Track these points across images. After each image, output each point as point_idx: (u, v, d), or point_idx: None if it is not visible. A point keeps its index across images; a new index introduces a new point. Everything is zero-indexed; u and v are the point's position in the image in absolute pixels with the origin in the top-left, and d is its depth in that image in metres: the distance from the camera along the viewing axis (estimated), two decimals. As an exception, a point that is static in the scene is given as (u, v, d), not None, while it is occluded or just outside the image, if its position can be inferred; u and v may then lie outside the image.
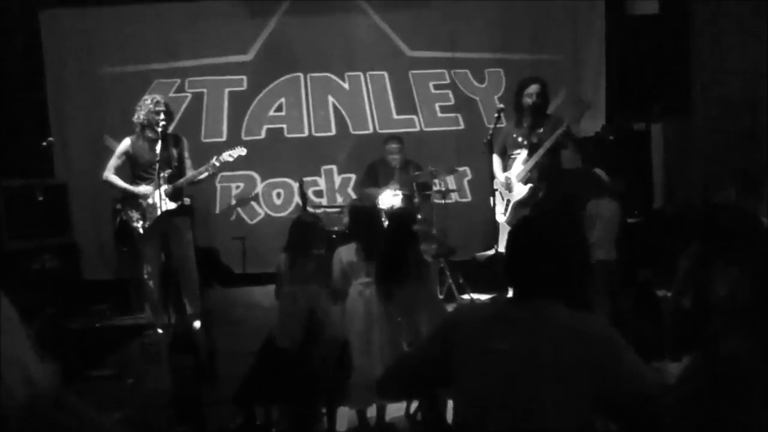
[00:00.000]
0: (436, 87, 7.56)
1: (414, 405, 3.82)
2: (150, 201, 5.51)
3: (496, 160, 5.75)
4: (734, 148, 5.99)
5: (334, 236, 6.22)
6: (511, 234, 2.23)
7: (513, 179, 5.54)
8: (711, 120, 6.27)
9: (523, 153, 5.52)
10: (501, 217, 5.63)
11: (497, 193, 5.69)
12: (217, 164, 5.62)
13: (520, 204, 5.50)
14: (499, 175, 5.66)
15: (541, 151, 5.40)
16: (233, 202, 7.46)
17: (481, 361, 2.00)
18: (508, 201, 5.57)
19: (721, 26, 6.20)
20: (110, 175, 5.64)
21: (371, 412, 4.06)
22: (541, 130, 5.49)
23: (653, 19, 6.56)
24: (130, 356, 3.33)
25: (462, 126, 7.55)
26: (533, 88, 5.55)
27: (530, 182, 5.50)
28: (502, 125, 5.76)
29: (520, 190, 5.52)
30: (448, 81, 7.52)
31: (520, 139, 5.56)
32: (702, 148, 6.52)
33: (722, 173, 5.88)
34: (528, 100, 5.54)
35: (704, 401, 1.91)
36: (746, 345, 2.00)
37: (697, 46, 6.19)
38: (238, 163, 6.92)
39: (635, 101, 6.19)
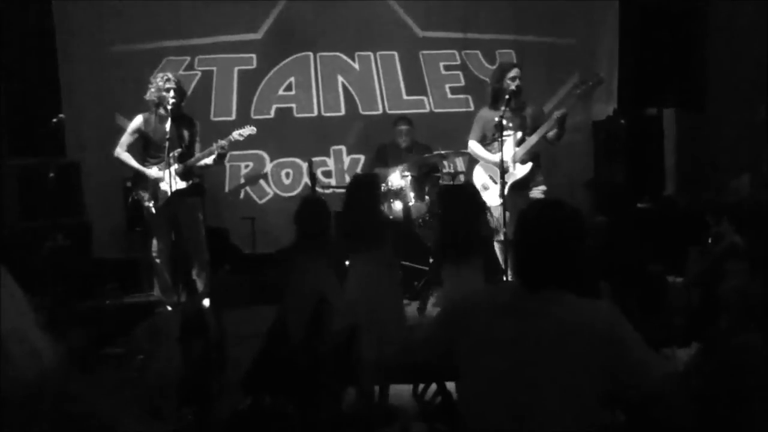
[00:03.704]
0: (447, 68, 7.52)
1: (422, 386, 3.86)
2: (160, 181, 5.52)
3: (477, 145, 5.73)
4: (747, 138, 5.94)
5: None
6: (518, 223, 2.22)
7: (509, 161, 5.50)
8: (724, 110, 6.21)
9: (516, 134, 5.52)
10: (496, 199, 5.58)
11: (487, 176, 5.69)
12: (227, 144, 5.60)
13: (517, 185, 5.49)
14: (491, 158, 5.61)
15: (542, 131, 5.41)
16: (242, 181, 7.47)
17: (488, 349, 2.00)
18: (503, 183, 5.49)
19: (736, 11, 6.12)
20: (122, 152, 5.65)
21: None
22: (529, 111, 5.56)
23: (668, 3, 6.49)
24: (140, 335, 3.34)
25: (472, 108, 7.48)
26: (515, 72, 5.58)
27: (527, 162, 5.51)
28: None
29: (520, 170, 5.51)
30: (458, 62, 7.49)
31: (505, 122, 5.52)
32: (714, 135, 6.47)
33: (734, 160, 5.85)
34: (511, 84, 5.53)
35: (712, 391, 1.92)
36: (755, 338, 2.01)
37: (712, 35, 6.12)
38: (248, 143, 6.91)
39: (648, 86, 6.14)
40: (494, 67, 7.36)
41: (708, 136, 6.61)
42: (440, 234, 4.19)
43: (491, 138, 5.57)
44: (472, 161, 5.93)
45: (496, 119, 5.42)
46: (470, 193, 4.43)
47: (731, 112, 6.22)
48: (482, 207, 4.37)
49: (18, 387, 1.39)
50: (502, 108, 5.36)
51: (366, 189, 4.21)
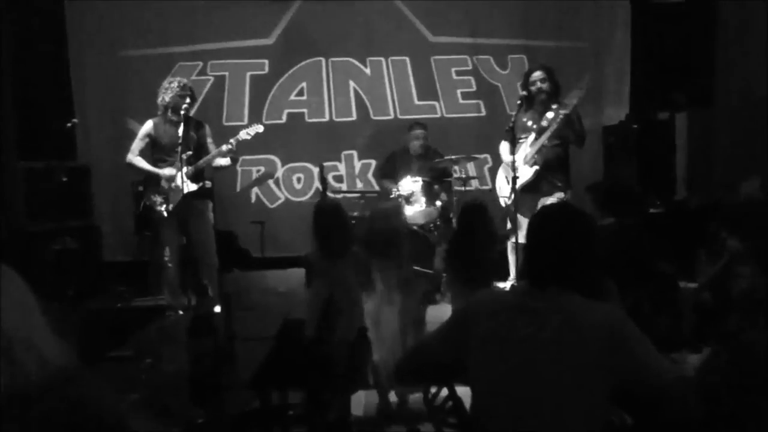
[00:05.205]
0: (458, 73, 7.54)
1: (433, 390, 3.85)
2: (172, 183, 5.53)
3: (504, 145, 5.77)
4: (757, 140, 5.91)
5: (353, 221, 6.23)
6: (530, 224, 2.23)
7: (519, 162, 5.50)
8: (734, 111, 6.19)
9: (530, 137, 5.54)
10: (505, 201, 5.64)
11: (504, 177, 5.72)
12: (235, 143, 5.61)
13: (524, 188, 5.48)
14: (506, 158, 5.67)
15: (547, 133, 5.40)
16: (252, 180, 7.49)
17: (498, 349, 2.00)
18: (512, 186, 5.50)
19: (746, 17, 6.10)
20: (134, 157, 5.67)
21: (393, 396, 4.12)
22: (551, 114, 5.49)
23: (678, 7, 6.48)
24: (148, 337, 3.35)
25: (483, 113, 7.53)
26: (536, 75, 5.61)
27: (536, 165, 5.49)
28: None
29: (525, 173, 5.51)
30: (470, 67, 7.51)
31: (529, 124, 5.57)
32: (725, 140, 6.44)
33: (745, 164, 5.81)
34: (533, 89, 5.57)
35: (724, 392, 1.90)
36: (764, 335, 1.99)
37: (722, 37, 6.10)
38: (259, 147, 6.97)
39: (659, 90, 6.12)
40: (506, 72, 7.44)
41: (719, 141, 6.58)
42: (454, 254, 4.17)
43: (516, 138, 5.60)
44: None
45: (524, 119, 5.55)
46: (488, 217, 4.42)
47: (741, 116, 6.19)
48: (495, 234, 4.37)
49: (26, 391, 1.40)
50: (512, 113, 5.40)
51: (389, 220, 4.23)
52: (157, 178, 5.59)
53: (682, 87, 5.90)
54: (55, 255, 5.98)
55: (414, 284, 4.25)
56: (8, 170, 6.25)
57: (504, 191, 5.76)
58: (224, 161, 5.69)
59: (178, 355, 2.60)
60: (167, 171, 5.56)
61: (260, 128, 5.74)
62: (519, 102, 5.58)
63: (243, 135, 5.65)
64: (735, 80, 6.18)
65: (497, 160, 7.03)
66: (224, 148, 5.60)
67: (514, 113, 5.61)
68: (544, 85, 5.56)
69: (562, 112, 5.37)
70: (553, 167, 5.56)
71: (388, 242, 4.13)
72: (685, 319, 3.04)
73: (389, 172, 6.77)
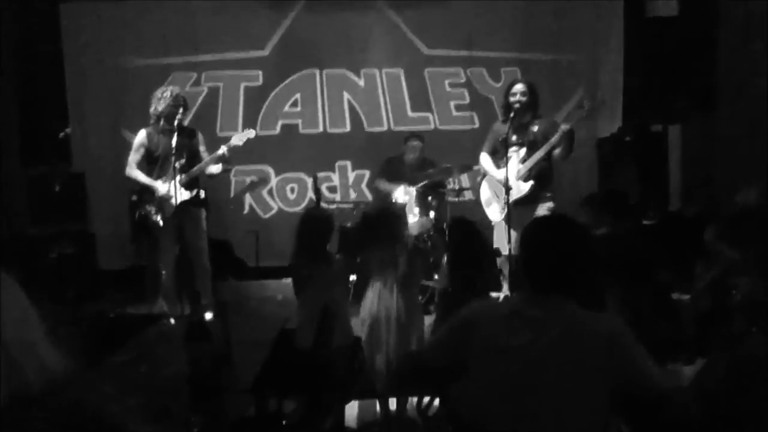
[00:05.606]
0: (452, 85, 7.57)
1: (426, 399, 3.85)
2: (166, 193, 5.53)
3: (486, 159, 5.71)
4: (757, 149, 5.95)
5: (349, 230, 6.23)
6: (526, 233, 2.24)
7: (512, 177, 5.45)
8: (734, 120, 6.23)
9: (521, 151, 5.47)
10: (497, 215, 5.58)
11: (489, 191, 5.68)
12: (227, 149, 5.60)
13: (519, 202, 5.44)
14: (496, 173, 5.59)
15: (546, 147, 5.34)
16: (246, 194, 7.49)
17: (497, 358, 2.02)
18: (506, 199, 5.46)
19: (748, 26, 6.15)
20: (132, 171, 5.67)
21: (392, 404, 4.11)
22: (536, 128, 5.45)
23: (672, 21, 6.55)
24: (145, 343, 3.35)
25: (477, 125, 7.55)
26: (518, 88, 5.50)
27: (530, 180, 5.46)
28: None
29: (521, 188, 5.46)
30: (463, 79, 7.54)
31: (514, 138, 5.49)
32: (721, 151, 6.48)
33: (741, 174, 5.85)
34: (512, 99, 5.47)
35: (724, 395, 1.92)
36: (765, 343, 2.01)
37: (723, 47, 6.15)
38: (253, 157, 6.97)
39: (652, 103, 6.18)
40: (499, 84, 7.46)
41: (714, 152, 6.63)
42: (450, 277, 4.17)
43: (502, 152, 5.50)
44: (483, 174, 5.89)
45: (508, 133, 5.44)
46: (478, 235, 4.41)
47: (738, 127, 6.24)
48: (489, 248, 4.34)
49: (25, 396, 1.39)
50: (507, 125, 5.37)
51: (384, 220, 4.22)
52: (152, 189, 5.59)
53: (675, 99, 5.96)
54: (53, 261, 5.96)
55: (415, 279, 4.23)
56: (10, 175, 6.26)
57: (492, 206, 5.69)
58: (216, 168, 5.69)
59: (176, 359, 2.60)
60: (163, 187, 5.56)
61: (252, 133, 5.75)
62: (512, 114, 5.56)
63: (235, 141, 5.65)
64: (735, 90, 6.22)
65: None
66: (217, 153, 5.61)
67: (507, 125, 5.56)
68: (524, 98, 5.45)
69: (566, 127, 5.32)
70: (545, 179, 5.54)
71: (386, 229, 4.12)
72: (684, 325, 3.06)
73: (387, 176, 6.79)
